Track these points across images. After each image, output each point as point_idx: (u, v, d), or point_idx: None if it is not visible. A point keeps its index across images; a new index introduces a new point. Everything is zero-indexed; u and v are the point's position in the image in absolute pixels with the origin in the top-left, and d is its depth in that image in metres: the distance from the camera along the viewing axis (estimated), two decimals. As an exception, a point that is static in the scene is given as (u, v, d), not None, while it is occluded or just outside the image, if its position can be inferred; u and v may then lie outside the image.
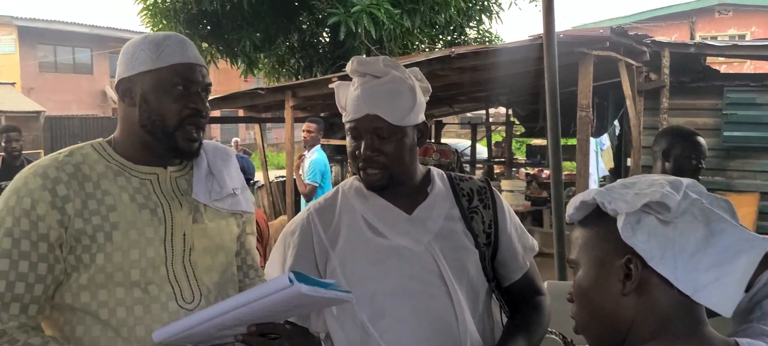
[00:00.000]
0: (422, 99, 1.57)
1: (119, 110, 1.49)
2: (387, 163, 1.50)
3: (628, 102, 6.44)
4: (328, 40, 9.79)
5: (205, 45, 9.73)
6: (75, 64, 25.48)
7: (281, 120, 7.84)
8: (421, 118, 1.57)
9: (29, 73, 23.69)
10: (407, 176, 1.56)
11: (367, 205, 1.57)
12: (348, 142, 1.55)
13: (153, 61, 1.41)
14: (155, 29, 9.49)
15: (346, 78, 1.59)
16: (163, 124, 1.42)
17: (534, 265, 1.67)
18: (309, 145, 5.96)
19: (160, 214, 1.44)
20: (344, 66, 6.20)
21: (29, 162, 5.10)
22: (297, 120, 8.30)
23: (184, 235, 1.46)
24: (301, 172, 5.84)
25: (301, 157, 5.96)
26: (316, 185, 5.69)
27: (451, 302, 1.47)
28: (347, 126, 1.54)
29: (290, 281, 1.13)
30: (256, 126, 9.18)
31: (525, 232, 1.68)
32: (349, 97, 1.54)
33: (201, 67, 1.48)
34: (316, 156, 5.84)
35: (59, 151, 1.44)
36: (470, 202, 1.60)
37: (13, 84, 21.32)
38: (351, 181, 1.65)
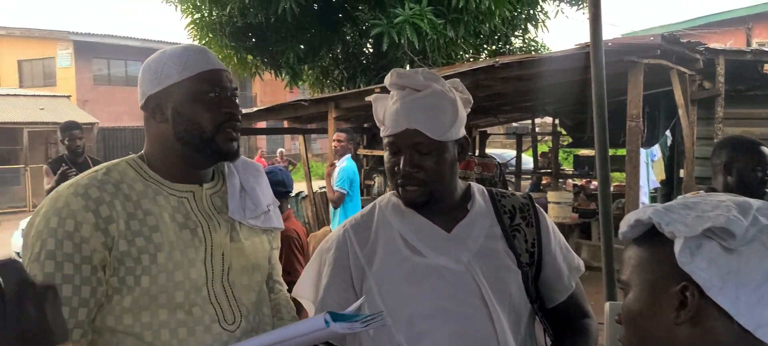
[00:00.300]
0: (463, 112, 1.51)
1: (149, 128, 1.46)
2: (427, 179, 1.45)
3: (681, 111, 6.22)
4: (371, 51, 9.79)
5: (250, 57, 9.86)
6: (127, 77, 26.11)
7: (325, 131, 7.86)
8: (462, 132, 1.51)
9: (84, 85, 24.41)
10: (447, 193, 1.51)
11: (404, 222, 1.51)
12: (386, 157, 1.51)
13: (179, 72, 1.40)
14: (202, 42, 9.66)
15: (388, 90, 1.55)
16: (201, 132, 1.41)
17: (580, 286, 1.58)
18: (339, 154, 6.05)
19: (200, 234, 1.41)
20: (387, 77, 6.03)
21: (94, 161, 5.21)
22: (340, 131, 8.31)
23: (223, 254, 1.44)
24: (331, 180, 5.89)
25: (332, 166, 6.03)
26: (345, 192, 5.74)
27: (491, 325, 1.40)
28: (386, 141, 1.50)
29: (326, 322, 1.18)
30: (301, 137, 9.23)
31: (570, 251, 1.60)
32: (387, 110, 1.50)
33: (225, 72, 1.47)
34: (345, 164, 5.90)
35: (96, 168, 1.42)
36: (512, 219, 1.53)
37: (68, 97, 22.09)
38: (388, 196, 1.60)
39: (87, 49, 24.56)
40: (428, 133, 1.43)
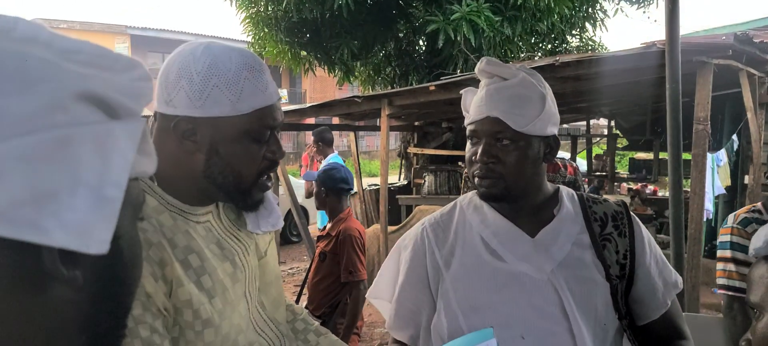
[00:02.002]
0: (553, 109, 1.43)
1: (164, 143, 1.16)
2: (504, 172, 1.38)
3: (749, 115, 5.95)
4: (424, 48, 9.69)
5: (303, 53, 9.88)
6: (181, 72, 26.68)
7: (375, 128, 7.81)
8: (551, 130, 1.42)
9: (140, 79, 25.01)
10: (529, 192, 1.42)
11: (485, 223, 1.45)
12: (467, 147, 1.45)
13: (232, 104, 1.13)
14: (256, 37, 9.74)
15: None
16: (239, 181, 1.19)
17: (676, 303, 1.47)
18: (320, 155, 6.49)
19: (239, 262, 1.25)
20: (441, 75, 6.08)
21: None
22: (392, 129, 8.25)
23: (254, 277, 1.32)
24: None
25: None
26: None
27: (572, 340, 1.31)
28: (467, 129, 1.44)
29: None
30: (351, 134, 9.21)
31: (667, 265, 1.49)
32: (474, 100, 1.44)
33: (278, 101, 1.24)
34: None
35: None
36: (603, 228, 1.43)
37: (125, 89, 22.68)
38: (470, 196, 1.53)
39: (143, 43, 25.24)
40: (509, 122, 1.35)
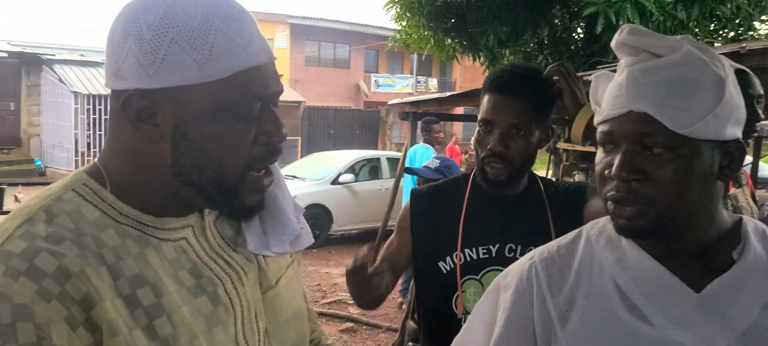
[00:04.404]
0: (738, 101, 0.99)
1: (120, 132, 0.88)
2: (655, 195, 0.97)
3: None
4: (582, 35, 8.93)
5: (448, 40, 9.50)
6: (335, 59, 27.68)
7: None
8: (733, 132, 0.98)
9: (297, 66, 26.22)
10: (694, 224, 1.00)
11: (624, 264, 1.04)
12: (598, 156, 1.05)
13: (199, 67, 0.82)
14: (400, 23, 9.51)
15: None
16: (219, 176, 0.87)
17: None
18: None
19: (222, 295, 0.91)
20: (599, 63, 5.28)
21: None
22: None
23: (256, 315, 0.96)
24: None
25: None
26: None
27: None
28: (599, 131, 1.04)
29: None
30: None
31: None
32: (609, 88, 1.04)
33: (271, 60, 0.90)
34: None
35: (25, 210, 0.83)
36: None
37: (281, 76, 23.92)
38: (602, 223, 1.12)
39: (301, 31, 26.39)
40: (665, 120, 0.94)
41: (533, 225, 1.73)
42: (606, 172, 1.01)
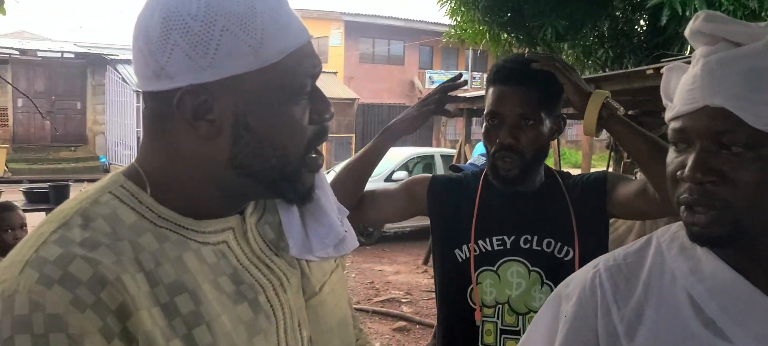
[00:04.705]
0: None
1: (166, 136, 0.84)
2: (733, 198, 0.89)
3: None
4: (645, 27, 8.65)
5: (504, 35, 9.37)
6: (389, 56, 27.78)
7: (580, 117, 7.06)
8: None
9: (351, 63, 26.42)
10: None
11: (698, 274, 0.96)
12: (669, 155, 0.98)
13: (255, 52, 0.79)
14: (454, 18, 9.43)
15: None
16: (284, 162, 0.84)
17: None
18: None
19: (264, 303, 0.86)
20: (663, 56, 5.05)
21: None
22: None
23: (299, 324, 0.91)
24: None
25: None
26: None
27: None
28: (670, 128, 0.97)
29: None
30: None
31: None
32: (682, 81, 0.97)
33: (310, 38, 0.87)
34: None
35: (61, 215, 0.79)
36: None
37: (335, 73, 24.09)
38: (674, 230, 1.04)
39: (356, 28, 26.56)
40: (745, 116, 0.87)
41: (553, 216, 1.68)
42: (678, 173, 0.93)
